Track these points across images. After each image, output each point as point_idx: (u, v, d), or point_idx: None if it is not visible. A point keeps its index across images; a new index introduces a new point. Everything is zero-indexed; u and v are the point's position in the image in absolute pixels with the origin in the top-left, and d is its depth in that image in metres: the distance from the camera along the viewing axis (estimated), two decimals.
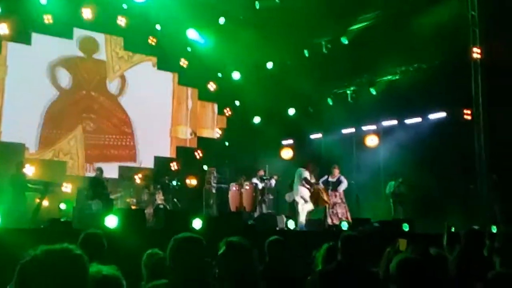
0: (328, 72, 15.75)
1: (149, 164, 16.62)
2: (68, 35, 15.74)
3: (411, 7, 13.27)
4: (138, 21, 15.87)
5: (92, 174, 14.25)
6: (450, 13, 12.81)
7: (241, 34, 15.57)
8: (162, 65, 17.47)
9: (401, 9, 13.26)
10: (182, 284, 2.75)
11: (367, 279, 4.11)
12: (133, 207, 12.98)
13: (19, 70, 14.74)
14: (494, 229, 10.65)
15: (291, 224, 11.02)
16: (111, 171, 15.14)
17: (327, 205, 12.87)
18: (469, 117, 13.10)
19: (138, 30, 16.25)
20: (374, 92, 15.06)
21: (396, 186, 13.72)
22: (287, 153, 16.95)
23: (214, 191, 14.70)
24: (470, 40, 13.06)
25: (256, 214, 12.81)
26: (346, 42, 14.90)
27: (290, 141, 17.70)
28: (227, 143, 18.28)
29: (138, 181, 15.10)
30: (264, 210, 13.39)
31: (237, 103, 18.33)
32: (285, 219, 12.03)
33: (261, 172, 14.03)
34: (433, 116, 14.25)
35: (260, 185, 13.63)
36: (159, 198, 13.94)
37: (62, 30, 15.32)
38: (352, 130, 16.22)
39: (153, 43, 16.74)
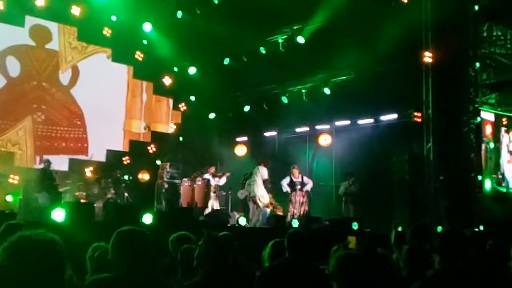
0: (284, 70, 15.83)
1: (101, 157, 16.29)
2: (20, 23, 15.23)
3: (367, 10, 13.46)
4: (93, 11, 15.47)
5: (41, 166, 13.90)
6: (404, 17, 13.07)
7: (198, 29, 15.48)
8: (117, 57, 17.15)
9: (356, 11, 13.43)
10: (123, 277, 2.71)
11: (314, 275, 4.13)
12: (82, 201, 12.72)
13: None
14: (439, 229, 10.94)
15: (242, 221, 11.06)
16: (61, 163, 14.78)
17: (291, 204, 13.03)
18: (419, 120, 13.40)
19: (93, 20, 15.85)
20: (328, 92, 15.21)
21: (347, 186, 13.92)
22: (241, 150, 16.96)
23: (166, 186, 14.57)
24: (423, 44, 13.34)
25: (208, 210, 12.78)
26: (303, 42, 14.99)
27: (244, 138, 17.70)
28: (181, 138, 18.13)
29: (88, 174, 14.81)
30: (216, 207, 13.36)
31: (192, 98, 18.20)
32: (237, 215, 12.08)
33: (212, 169, 13.94)
34: (385, 117, 14.50)
35: (213, 181, 13.58)
36: (110, 192, 13.74)
37: (13, 17, 14.82)
38: (306, 128, 16.35)
39: (108, 35, 16.35)
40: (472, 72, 13.51)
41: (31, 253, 1.86)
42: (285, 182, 13.23)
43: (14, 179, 13.31)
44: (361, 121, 14.96)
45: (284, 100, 16.20)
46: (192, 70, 17.43)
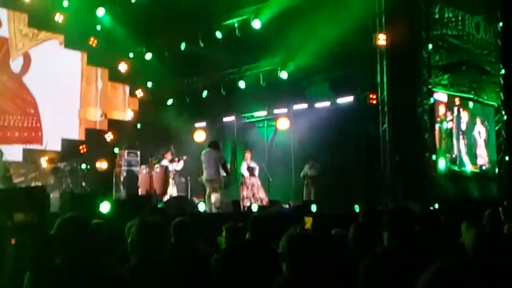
0: (241, 55, 15.77)
1: (56, 146, 15.94)
2: None
3: None
4: None
5: None
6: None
7: (153, 13, 15.25)
8: (70, 44, 16.71)
9: None
10: (67, 264, 2.67)
11: (268, 256, 4.16)
12: None
13: None
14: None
15: (201, 207, 11.05)
16: (14, 153, 14.38)
17: (245, 188, 13.14)
18: (374, 102, 13.58)
19: (44, 6, 15.43)
20: (285, 76, 15.25)
21: (308, 169, 14.06)
22: (200, 136, 16.88)
23: (124, 174, 14.39)
24: (377, 27, 13.48)
25: (167, 197, 12.69)
26: (259, 26, 14.94)
27: (203, 124, 17.62)
28: (138, 126, 17.91)
29: (44, 164, 14.49)
30: (175, 193, 13.28)
31: (149, 84, 17.97)
32: (196, 201, 12.05)
33: (168, 155, 13.83)
34: (342, 100, 14.65)
35: (171, 167, 13.49)
36: (67, 182, 13.49)
37: None
38: (264, 113, 16.40)
39: (60, 21, 15.92)
40: (425, 54, 13.75)
41: None
42: (243, 168, 13.45)
43: None
44: (318, 104, 15.08)
45: (242, 85, 16.16)
46: (148, 56, 17.20)
